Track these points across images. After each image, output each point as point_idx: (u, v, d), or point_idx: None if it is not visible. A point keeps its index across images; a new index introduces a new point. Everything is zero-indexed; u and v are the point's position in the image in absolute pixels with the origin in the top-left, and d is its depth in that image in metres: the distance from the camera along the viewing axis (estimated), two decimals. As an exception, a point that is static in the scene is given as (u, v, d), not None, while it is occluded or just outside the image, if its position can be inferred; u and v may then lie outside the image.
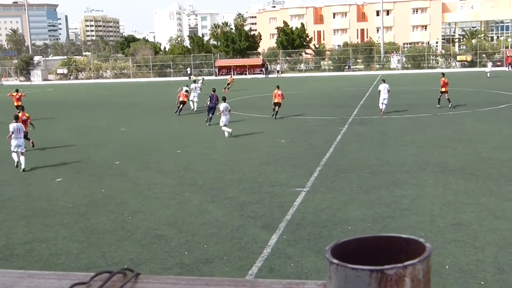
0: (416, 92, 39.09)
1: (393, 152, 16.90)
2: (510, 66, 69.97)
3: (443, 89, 28.79)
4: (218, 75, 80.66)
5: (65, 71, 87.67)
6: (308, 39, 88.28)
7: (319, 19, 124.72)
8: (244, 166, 15.57)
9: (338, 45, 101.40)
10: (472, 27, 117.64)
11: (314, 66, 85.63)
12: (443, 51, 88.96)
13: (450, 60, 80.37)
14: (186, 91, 31.64)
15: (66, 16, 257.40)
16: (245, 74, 79.78)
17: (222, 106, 22.00)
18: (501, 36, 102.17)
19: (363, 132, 21.34)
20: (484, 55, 78.70)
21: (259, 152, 17.72)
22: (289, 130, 22.80)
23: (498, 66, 73.05)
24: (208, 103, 25.78)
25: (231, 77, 52.70)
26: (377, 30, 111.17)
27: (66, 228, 10.36)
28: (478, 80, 50.83)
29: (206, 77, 57.79)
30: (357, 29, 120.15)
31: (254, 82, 62.55)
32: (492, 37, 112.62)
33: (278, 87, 27.33)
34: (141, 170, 15.58)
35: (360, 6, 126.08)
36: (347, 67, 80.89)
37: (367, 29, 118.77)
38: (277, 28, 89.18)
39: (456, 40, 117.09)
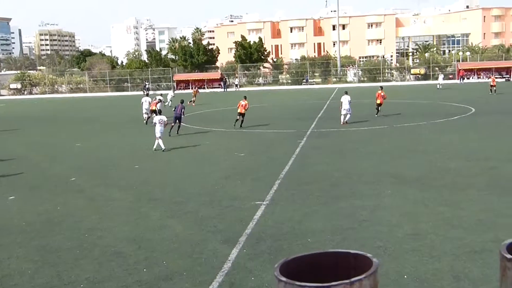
0: (373, 104, 39.68)
1: (352, 163, 17.12)
2: (461, 79, 72.08)
3: (379, 101, 31.51)
4: (177, 89, 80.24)
5: (19, 86, 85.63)
6: (266, 53, 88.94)
7: (276, 33, 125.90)
8: (204, 179, 15.48)
9: (296, 59, 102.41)
10: (425, 41, 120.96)
11: (272, 80, 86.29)
12: (397, 65, 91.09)
13: (405, 73, 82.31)
14: (160, 100, 32.24)
15: (19, 30, 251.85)
16: (204, 88, 79.66)
17: (156, 118, 22.16)
18: (452, 49, 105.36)
19: (322, 144, 21.56)
20: (436, 68, 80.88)
21: (218, 166, 17.66)
22: (248, 143, 22.83)
23: (450, 78, 75.16)
24: (174, 112, 27.01)
25: (196, 89, 52.72)
26: (334, 44, 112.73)
27: (20, 248, 10.04)
28: (432, 93, 52.17)
29: (164, 92, 57.44)
30: (314, 43, 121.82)
31: (213, 96, 62.52)
32: (444, 51, 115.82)
33: (245, 98, 28.54)
34: (98, 186, 15.29)
35: (317, 21, 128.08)
36: (304, 80, 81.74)
37: (323, 43, 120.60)
38: (235, 42, 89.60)
39: (410, 54, 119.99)
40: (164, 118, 22.30)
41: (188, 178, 15.87)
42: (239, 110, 27.93)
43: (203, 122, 31.59)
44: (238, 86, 79.29)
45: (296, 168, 16.60)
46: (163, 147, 21.22)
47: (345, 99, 27.78)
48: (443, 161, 16.96)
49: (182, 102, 27.29)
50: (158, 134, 21.49)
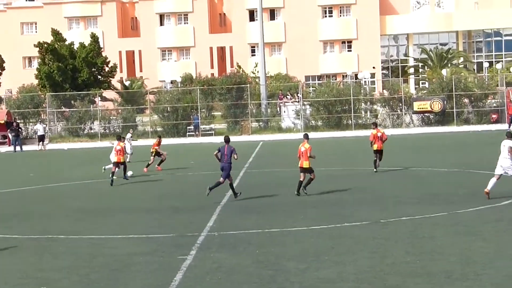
0: (338, 178, 40.35)
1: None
2: (513, 121, 74.58)
3: (376, 146, 36.91)
4: None
5: None
6: (108, 68, 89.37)
7: (131, 27, 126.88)
8: None
9: (173, 82, 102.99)
10: (440, 44, 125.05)
11: (122, 126, 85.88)
12: (385, 93, 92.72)
13: (401, 110, 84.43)
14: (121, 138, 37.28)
15: None
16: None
17: None
18: (497, 61, 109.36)
19: (230, 264, 21.61)
20: (465, 100, 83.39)
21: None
22: (67, 267, 22.49)
23: (493, 121, 77.81)
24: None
25: (158, 140, 51.00)
26: (252, 51, 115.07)
27: None
28: (457, 149, 53.97)
29: None
30: (211, 49, 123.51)
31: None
32: (479, 64, 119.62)
33: (306, 138, 32.37)
34: None
35: (216, 2, 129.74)
36: (191, 127, 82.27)
37: (231, 47, 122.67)
38: (39, 45, 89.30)
39: (411, 70, 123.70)
40: None
41: None
42: (301, 164, 32.14)
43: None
44: (44, 145, 78.27)
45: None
46: None
47: (504, 147, 30.55)
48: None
49: (227, 140, 32.54)
50: None
